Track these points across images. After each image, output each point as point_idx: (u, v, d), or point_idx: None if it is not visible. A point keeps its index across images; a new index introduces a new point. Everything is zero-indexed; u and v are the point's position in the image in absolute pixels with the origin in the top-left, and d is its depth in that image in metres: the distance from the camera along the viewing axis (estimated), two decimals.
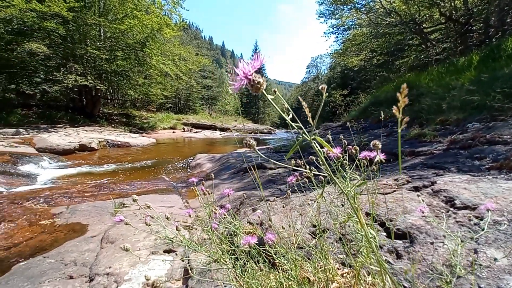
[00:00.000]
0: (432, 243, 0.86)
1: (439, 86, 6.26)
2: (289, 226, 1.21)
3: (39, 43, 12.82)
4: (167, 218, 1.06)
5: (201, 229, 2.58)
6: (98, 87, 15.41)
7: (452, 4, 11.01)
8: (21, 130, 10.67)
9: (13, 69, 13.53)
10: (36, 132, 10.87)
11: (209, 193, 1.18)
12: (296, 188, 3.54)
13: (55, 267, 1.57)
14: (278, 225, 1.46)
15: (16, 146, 8.16)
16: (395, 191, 1.38)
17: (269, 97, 0.47)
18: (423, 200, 0.89)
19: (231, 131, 28.15)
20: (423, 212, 0.88)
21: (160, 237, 0.93)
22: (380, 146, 0.53)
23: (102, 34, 16.02)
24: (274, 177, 4.69)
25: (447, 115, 4.87)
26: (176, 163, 7.97)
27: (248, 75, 0.42)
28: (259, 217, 1.57)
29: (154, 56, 16.48)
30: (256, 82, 0.42)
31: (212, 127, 27.24)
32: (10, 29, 11.85)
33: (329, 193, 1.75)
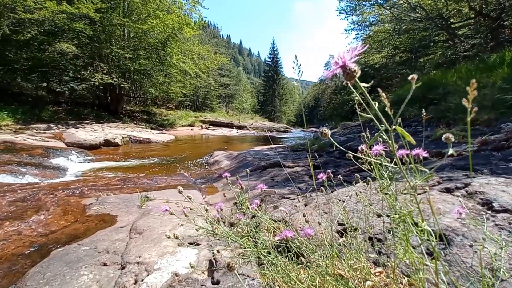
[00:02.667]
0: (471, 246, 0.83)
1: (468, 84, 5.92)
2: (319, 224, 1.22)
3: (69, 43, 13.55)
4: (206, 210, 1.10)
5: (223, 223, 2.64)
6: (122, 85, 16.04)
7: None
8: (52, 125, 11.35)
9: (44, 68, 14.39)
10: (65, 128, 11.51)
11: (242, 188, 1.21)
12: (316, 187, 3.50)
13: (89, 254, 1.67)
14: (302, 223, 1.47)
15: (47, 141, 8.69)
16: (425, 192, 1.35)
17: (363, 85, 0.47)
18: (460, 202, 0.86)
19: (248, 129, 28.28)
20: (460, 214, 0.85)
21: (201, 229, 0.97)
22: (452, 139, 0.52)
23: (126, 34, 16.63)
24: (292, 175, 4.66)
25: (477, 114, 4.62)
26: (194, 160, 8.14)
27: (346, 63, 0.43)
28: (287, 213, 1.58)
29: (174, 55, 16.88)
30: (352, 70, 0.43)
31: (229, 125, 27.50)
32: (42, 30, 12.59)
33: (346, 193, 1.73)
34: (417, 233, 0.56)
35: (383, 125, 0.50)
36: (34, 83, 15.27)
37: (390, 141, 0.51)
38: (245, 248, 0.98)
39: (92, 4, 12.67)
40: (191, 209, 1.33)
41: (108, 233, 2.02)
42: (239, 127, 27.73)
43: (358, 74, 0.44)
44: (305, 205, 2.09)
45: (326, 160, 5.72)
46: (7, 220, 2.48)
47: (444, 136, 0.53)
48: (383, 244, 0.99)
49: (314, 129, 38.30)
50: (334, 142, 0.57)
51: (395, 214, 0.67)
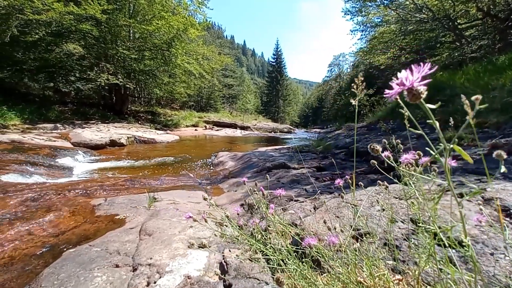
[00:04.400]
0: (492, 254, 0.82)
1: (477, 86, 5.87)
2: (329, 229, 1.21)
3: (75, 44, 13.71)
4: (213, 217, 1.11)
5: (231, 226, 2.64)
6: (127, 85, 16.16)
7: None
8: (58, 125, 11.47)
9: (51, 68, 14.57)
10: (71, 128, 11.63)
11: (264, 194, 1.21)
12: (322, 189, 3.47)
13: (101, 255, 1.69)
14: (314, 227, 1.46)
15: (54, 140, 8.79)
16: (440, 197, 1.33)
17: (428, 106, 0.46)
18: (481, 209, 0.85)
19: (251, 129, 28.30)
20: (480, 222, 0.84)
21: (219, 233, 0.98)
22: (504, 156, 0.51)
23: (131, 35, 16.77)
24: (298, 177, 4.64)
25: (486, 117, 4.57)
26: (199, 160, 8.16)
27: (413, 85, 0.43)
28: (300, 218, 1.57)
29: (179, 56, 16.97)
30: (419, 92, 0.42)
31: (233, 126, 27.54)
32: (49, 31, 12.74)
33: (356, 196, 1.71)
34: (453, 246, 0.56)
35: (441, 144, 0.49)
36: (41, 83, 15.47)
37: (444, 160, 0.50)
38: (263, 252, 0.98)
39: (98, 6, 12.79)
40: (205, 213, 1.33)
41: (118, 234, 2.04)
42: (242, 128, 27.76)
43: (424, 96, 0.43)
44: (315, 208, 2.09)
45: (332, 162, 5.69)
46: (18, 220, 2.52)
47: (495, 153, 0.53)
48: (400, 251, 0.98)
49: (318, 129, 38.17)
50: (385, 158, 0.57)
51: (426, 225, 0.67)
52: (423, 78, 0.43)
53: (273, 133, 28.50)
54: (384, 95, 0.46)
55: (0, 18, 10.79)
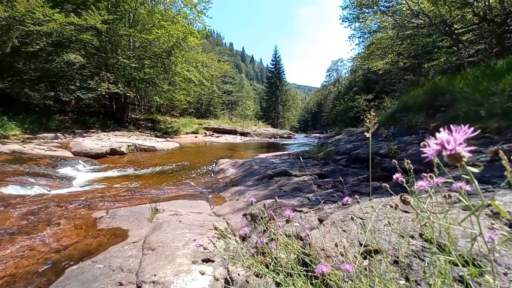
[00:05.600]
0: (505, 274, 0.81)
1: (476, 91, 5.90)
2: (336, 246, 1.19)
3: (76, 54, 13.83)
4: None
5: (235, 239, 2.61)
6: (128, 94, 16.25)
7: (487, 4, 10.37)
8: (59, 134, 11.49)
9: (52, 78, 14.66)
10: (72, 137, 11.64)
11: (274, 219, 1.20)
12: (325, 198, 3.44)
13: (105, 273, 1.66)
14: (321, 242, 1.44)
15: (55, 150, 8.78)
16: (448, 210, 1.32)
17: (469, 168, 0.43)
18: (492, 225, 0.84)
19: (251, 135, 28.33)
20: (493, 240, 0.83)
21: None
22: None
23: (131, 44, 16.93)
24: (300, 184, 4.62)
25: (487, 122, 4.57)
26: (200, 168, 8.14)
27: (456, 149, 0.41)
28: (306, 231, 1.55)
29: (179, 64, 17.12)
30: (461, 156, 0.40)
31: (233, 132, 27.59)
32: (50, 42, 12.87)
33: (360, 208, 1.70)
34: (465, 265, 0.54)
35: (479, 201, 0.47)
36: (41, 93, 15.55)
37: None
38: (272, 274, 0.96)
39: (99, 16, 12.95)
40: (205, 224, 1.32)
41: (121, 249, 2.01)
42: (242, 134, 27.80)
43: (466, 159, 0.41)
44: (320, 221, 2.07)
45: (333, 169, 5.67)
46: (20, 235, 2.49)
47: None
48: (411, 269, 0.96)
49: (318, 134, 38.22)
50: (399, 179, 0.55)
51: (439, 246, 0.66)
52: (466, 140, 0.41)
53: (273, 139, 28.53)
54: (422, 154, 0.44)
55: (1, 29, 10.90)
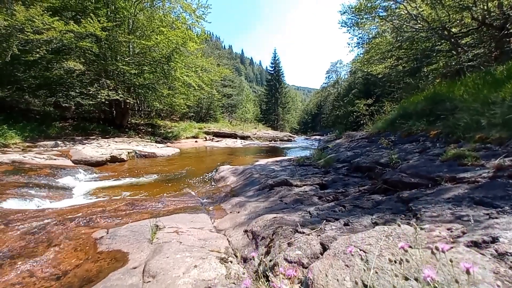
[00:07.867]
0: None
1: (476, 99, 5.88)
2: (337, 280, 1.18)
3: (76, 61, 13.86)
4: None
5: (237, 262, 2.59)
6: (128, 100, 16.26)
7: (485, 8, 10.39)
8: (59, 142, 11.47)
9: (52, 85, 14.68)
10: (72, 144, 11.63)
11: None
12: (326, 214, 3.42)
13: None
14: (323, 280, 1.42)
15: (55, 159, 8.77)
16: (452, 247, 1.30)
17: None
18: (497, 270, 0.82)
19: (252, 139, 28.34)
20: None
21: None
22: None
23: (131, 50, 16.96)
24: (301, 196, 4.60)
25: (488, 132, 4.56)
26: (200, 176, 8.14)
27: None
28: (309, 263, 1.53)
29: (178, 69, 17.15)
30: None
31: (233, 135, 27.60)
32: (50, 49, 12.90)
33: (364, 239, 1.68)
34: None
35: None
36: (41, 100, 15.58)
37: None
38: None
39: (98, 23, 12.99)
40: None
41: (121, 277, 2.00)
42: (242, 137, 27.80)
43: None
44: (322, 246, 2.05)
45: (334, 178, 5.65)
46: (19, 258, 2.47)
47: None
48: None
49: (318, 136, 38.23)
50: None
51: None
52: None
53: (273, 142, 28.53)
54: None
55: (1, 38, 10.93)
